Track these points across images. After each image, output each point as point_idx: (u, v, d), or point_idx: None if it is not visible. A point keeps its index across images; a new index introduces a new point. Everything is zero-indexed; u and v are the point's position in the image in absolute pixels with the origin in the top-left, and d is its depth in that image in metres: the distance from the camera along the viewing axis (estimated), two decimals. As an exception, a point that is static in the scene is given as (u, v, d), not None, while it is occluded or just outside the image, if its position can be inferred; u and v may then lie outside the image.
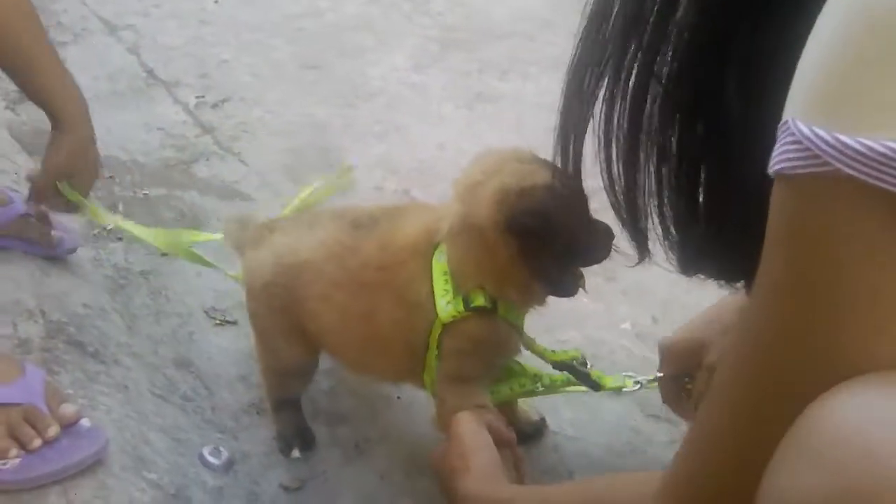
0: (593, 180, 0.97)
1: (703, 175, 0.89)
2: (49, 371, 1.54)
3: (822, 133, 0.65)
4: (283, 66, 2.93)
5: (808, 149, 0.66)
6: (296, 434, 1.66)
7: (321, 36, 3.10)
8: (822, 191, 0.67)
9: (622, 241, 1.04)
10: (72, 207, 1.78)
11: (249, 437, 1.68)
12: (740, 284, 0.96)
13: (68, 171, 1.70)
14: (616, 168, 0.92)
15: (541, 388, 1.58)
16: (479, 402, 1.49)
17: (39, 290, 1.74)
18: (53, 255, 1.89)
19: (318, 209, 1.63)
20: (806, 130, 0.66)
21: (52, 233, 1.87)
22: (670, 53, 0.84)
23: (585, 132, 0.94)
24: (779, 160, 0.68)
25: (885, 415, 0.68)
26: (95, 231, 2.14)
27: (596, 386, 1.55)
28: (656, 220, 0.94)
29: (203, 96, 2.74)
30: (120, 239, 2.13)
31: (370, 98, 2.78)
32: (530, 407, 1.69)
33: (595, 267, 1.49)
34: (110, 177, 2.36)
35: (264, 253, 1.56)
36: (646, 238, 0.97)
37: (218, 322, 1.92)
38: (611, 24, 0.89)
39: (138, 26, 3.11)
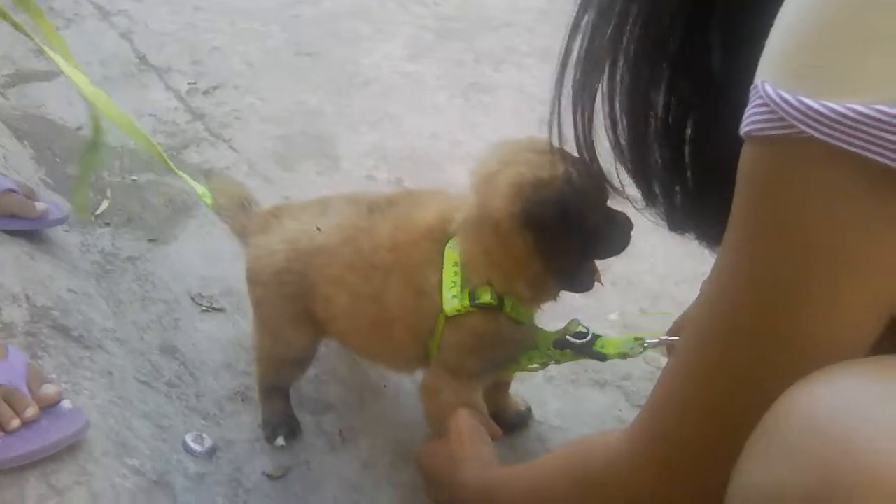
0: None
1: (688, 131, 0.93)
2: (33, 356, 1.53)
3: (787, 96, 0.67)
4: (277, 54, 2.91)
5: (773, 111, 0.68)
6: (282, 422, 1.65)
7: (316, 23, 3.09)
8: (786, 151, 0.69)
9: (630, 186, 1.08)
10: None
11: (233, 425, 1.68)
12: None
13: None
14: (620, 122, 0.97)
15: (552, 362, 1.56)
16: (473, 400, 1.49)
17: (25, 273, 1.73)
18: (40, 226, 1.88)
19: (328, 196, 1.60)
20: (773, 93, 0.68)
21: (37, 204, 1.85)
22: (664, 11, 0.89)
23: (595, 97, 0.98)
24: (749, 122, 0.71)
25: (860, 403, 0.67)
26: (83, 216, 2.13)
27: (601, 356, 1.51)
28: (653, 173, 0.99)
29: (195, 83, 2.72)
30: (108, 224, 2.12)
31: (364, 86, 2.76)
32: (517, 396, 1.68)
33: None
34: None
35: (275, 239, 1.53)
36: (651, 187, 1.01)
37: (204, 309, 1.91)
38: None
39: (131, 12, 3.10)
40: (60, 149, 2.39)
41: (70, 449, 1.37)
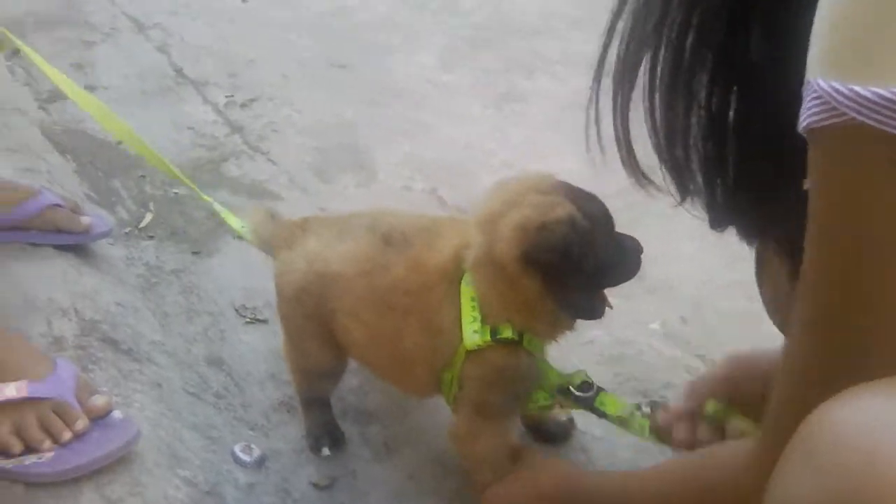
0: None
1: (730, 123, 0.97)
2: (83, 369, 1.56)
3: (838, 86, 0.70)
4: (311, 66, 2.94)
5: (826, 102, 0.71)
6: (325, 432, 1.67)
7: (349, 35, 3.11)
8: (842, 139, 0.72)
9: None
10: None
11: (280, 435, 1.70)
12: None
13: None
14: (657, 115, 1.01)
15: (560, 406, 1.56)
16: (510, 441, 1.51)
17: (73, 288, 1.76)
18: (85, 240, 1.92)
19: (350, 213, 1.62)
20: (825, 85, 0.71)
21: (83, 219, 1.89)
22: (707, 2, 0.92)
23: (632, 91, 1.02)
24: (805, 117, 0.74)
25: (887, 418, 0.69)
26: (127, 230, 2.16)
27: (599, 413, 1.51)
28: (694, 167, 1.02)
29: (232, 95, 2.76)
30: (151, 237, 2.15)
31: (398, 97, 2.78)
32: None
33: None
34: (142, 176, 2.38)
35: (297, 257, 1.55)
36: (686, 180, 1.05)
37: (248, 320, 1.93)
38: None
39: (167, 25, 3.14)
40: (102, 163, 2.43)
41: (123, 461, 1.40)
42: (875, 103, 0.68)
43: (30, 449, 1.36)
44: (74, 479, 1.35)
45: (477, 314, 1.40)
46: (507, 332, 1.39)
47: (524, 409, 1.57)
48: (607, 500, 1.32)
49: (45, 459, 1.35)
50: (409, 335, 1.45)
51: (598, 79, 1.06)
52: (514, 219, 1.34)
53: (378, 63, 2.95)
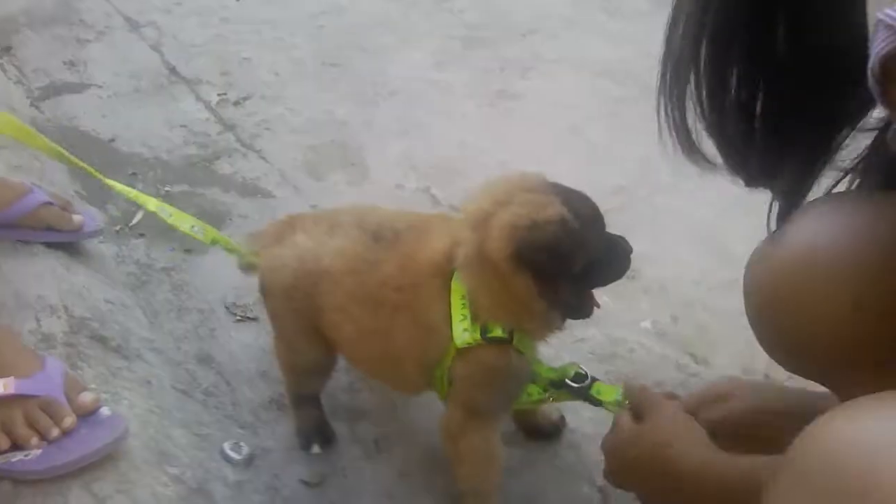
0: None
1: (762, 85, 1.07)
2: (72, 366, 1.55)
3: None
4: (304, 64, 2.93)
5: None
6: (315, 430, 1.67)
7: (342, 33, 3.11)
8: None
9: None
10: None
11: (270, 433, 1.69)
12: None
13: None
14: (701, 84, 1.09)
15: (551, 399, 1.57)
16: (496, 440, 1.51)
17: (62, 285, 1.75)
18: (76, 238, 1.91)
19: (339, 208, 1.61)
20: (892, 12, 0.73)
21: (74, 217, 1.88)
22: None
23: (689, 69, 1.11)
24: (877, 49, 0.75)
25: (883, 438, 0.68)
26: (118, 228, 2.16)
27: (595, 401, 1.52)
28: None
29: (225, 94, 2.75)
30: (142, 235, 2.14)
31: (391, 96, 2.78)
32: (550, 405, 1.69)
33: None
34: (133, 174, 2.38)
35: (286, 253, 1.54)
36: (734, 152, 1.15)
37: (239, 318, 1.93)
38: None
39: (160, 24, 3.13)
40: (94, 161, 2.41)
41: (111, 458, 1.39)
42: None
43: (17, 446, 1.35)
44: (62, 476, 1.35)
45: (467, 312, 1.39)
46: (498, 331, 1.39)
47: (517, 405, 1.57)
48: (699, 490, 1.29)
49: (33, 456, 1.35)
50: (399, 332, 1.44)
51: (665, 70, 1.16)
52: (505, 218, 1.34)
53: (371, 62, 2.95)
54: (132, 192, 1.82)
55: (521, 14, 3.24)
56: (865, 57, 0.75)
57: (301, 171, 2.43)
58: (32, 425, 1.36)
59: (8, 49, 2.91)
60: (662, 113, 1.18)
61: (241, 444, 1.63)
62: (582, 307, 1.45)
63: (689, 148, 1.17)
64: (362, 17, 3.21)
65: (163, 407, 1.60)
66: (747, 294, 1.21)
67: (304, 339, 1.58)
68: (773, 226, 1.19)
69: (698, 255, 2.12)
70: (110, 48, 2.99)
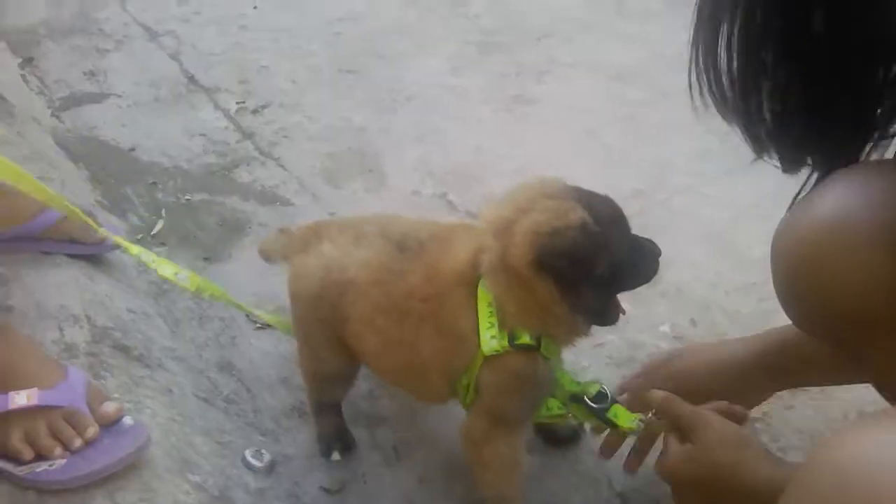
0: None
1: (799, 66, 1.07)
2: (95, 375, 1.57)
3: None
4: (321, 71, 2.95)
5: None
6: (336, 437, 1.68)
7: (358, 40, 3.12)
8: None
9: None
10: None
11: (291, 440, 1.71)
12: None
13: None
14: (732, 66, 1.09)
15: (570, 416, 1.57)
16: (520, 447, 1.51)
17: (84, 295, 1.77)
18: (98, 251, 1.93)
19: (363, 217, 1.62)
20: None
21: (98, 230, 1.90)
22: None
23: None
24: None
25: (889, 457, 0.68)
26: (139, 237, 2.18)
27: (612, 424, 1.52)
28: (766, 115, 1.12)
29: (243, 102, 2.77)
30: (163, 244, 2.17)
31: (407, 102, 2.79)
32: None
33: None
34: (153, 183, 2.40)
35: (312, 262, 1.55)
36: (759, 135, 1.15)
37: (259, 326, 1.94)
38: None
39: (179, 33, 3.16)
40: (114, 170, 2.45)
41: (134, 466, 1.41)
42: None
43: (41, 456, 1.37)
44: (86, 486, 1.36)
45: (494, 320, 1.40)
46: (525, 338, 1.39)
47: (536, 418, 1.57)
48: None
49: (57, 466, 1.36)
50: (425, 342, 1.45)
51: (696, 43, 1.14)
52: (527, 224, 1.35)
53: (388, 68, 2.96)
54: (118, 239, 1.83)
55: (536, 18, 3.24)
56: None
57: (319, 178, 2.44)
58: (56, 436, 1.38)
59: (30, 60, 2.94)
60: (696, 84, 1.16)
61: (263, 451, 1.64)
62: (607, 313, 1.45)
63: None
64: (379, 24, 3.23)
65: (185, 415, 1.62)
66: (775, 262, 1.21)
67: (328, 347, 1.59)
68: None
69: (715, 258, 2.12)
70: (129, 58, 3.01)
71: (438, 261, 1.45)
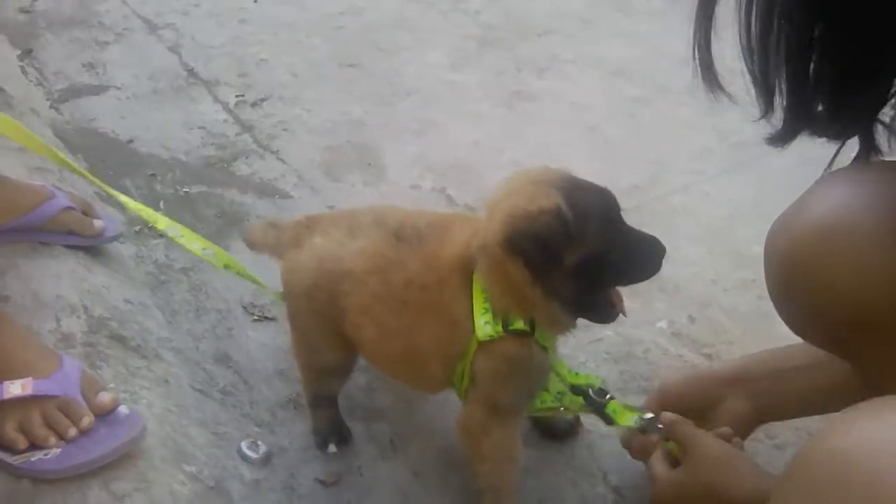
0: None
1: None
2: (91, 365, 1.56)
3: None
4: (321, 65, 2.95)
5: None
6: (332, 429, 1.68)
7: (358, 34, 3.12)
8: None
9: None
10: None
11: (287, 432, 1.71)
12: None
13: None
14: (752, 34, 1.05)
15: (563, 409, 1.58)
16: (517, 439, 1.51)
17: (81, 285, 1.77)
18: (96, 243, 1.92)
19: (357, 209, 1.62)
20: None
21: (95, 222, 1.90)
22: None
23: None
24: None
25: (888, 441, 0.68)
26: (137, 228, 2.17)
27: (609, 420, 1.53)
28: (782, 83, 1.08)
29: (243, 95, 2.77)
30: (161, 236, 2.16)
31: (407, 96, 2.79)
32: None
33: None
34: (152, 175, 2.40)
35: (306, 255, 1.55)
36: (771, 95, 1.10)
37: (256, 318, 1.94)
38: None
39: (179, 25, 3.15)
40: (113, 161, 2.45)
41: (130, 456, 1.40)
42: None
43: (36, 446, 1.36)
44: (81, 475, 1.36)
45: (488, 305, 1.40)
46: (519, 324, 1.39)
47: (529, 411, 1.57)
48: None
49: (52, 456, 1.36)
50: (424, 329, 1.45)
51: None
52: (504, 206, 1.36)
53: (388, 62, 2.96)
54: (146, 210, 1.82)
55: (536, 14, 3.24)
56: None
57: (318, 171, 2.44)
58: (50, 425, 1.38)
59: (29, 52, 2.94)
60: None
61: (259, 442, 1.64)
62: (597, 308, 1.44)
63: (712, 81, 1.15)
64: (379, 18, 3.22)
65: (181, 406, 1.62)
66: (768, 262, 1.21)
67: (324, 340, 1.59)
68: None
69: (714, 255, 2.12)
70: (129, 50, 3.01)
71: (437, 248, 1.45)
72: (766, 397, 1.53)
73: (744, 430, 1.52)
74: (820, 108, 1.09)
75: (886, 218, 1.07)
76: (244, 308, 1.96)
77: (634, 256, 1.40)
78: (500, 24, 3.18)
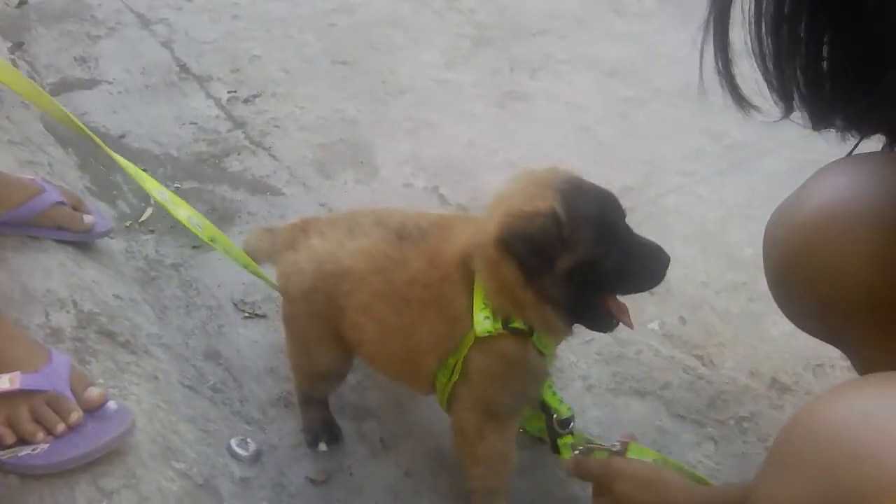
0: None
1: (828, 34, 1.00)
2: (80, 361, 1.56)
3: None
4: (314, 62, 2.94)
5: None
6: (322, 428, 1.67)
7: (352, 32, 3.11)
8: None
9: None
10: None
11: (277, 430, 1.70)
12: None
13: None
14: (764, 32, 1.02)
15: (519, 429, 1.61)
16: (512, 443, 1.52)
17: (71, 280, 1.76)
18: (86, 238, 1.91)
19: (354, 210, 1.61)
20: None
21: (85, 218, 1.89)
22: None
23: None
24: None
25: (871, 415, 0.69)
26: (127, 223, 2.17)
27: (556, 450, 1.53)
28: (799, 78, 1.04)
29: (235, 91, 2.76)
30: (152, 231, 2.15)
31: (400, 95, 2.78)
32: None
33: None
34: (143, 170, 2.38)
35: (303, 257, 1.54)
36: (790, 96, 1.06)
37: (247, 315, 1.93)
38: None
39: (171, 20, 3.14)
40: (103, 156, 2.41)
41: (118, 452, 1.40)
42: None
43: (23, 441, 1.35)
44: (69, 471, 1.35)
45: (489, 301, 1.40)
46: (519, 323, 1.39)
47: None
48: None
49: (40, 451, 1.35)
50: (425, 328, 1.44)
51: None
52: (503, 206, 1.36)
53: (381, 60, 2.95)
54: (141, 174, 1.82)
55: (530, 14, 3.23)
56: None
57: (310, 168, 2.43)
58: (38, 420, 1.37)
59: (20, 45, 2.92)
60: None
61: (248, 440, 1.64)
62: (593, 315, 1.42)
63: (735, 93, 1.11)
64: (373, 16, 3.21)
65: (170, 402, 1.61)
66: (767, 252, 1.22)
67: (321, 342, 1.58)
68: None
69: (706, 257, 2.12)
70: (121, 44, 2.99)
71: (440, 246, 1.45)
72: None
73: None
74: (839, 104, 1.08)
75: (881, 206, 1.07)
76: (235, 305, 1.95)
77: (632, 265, 1.37)
78: (494, 24, 3.18)
